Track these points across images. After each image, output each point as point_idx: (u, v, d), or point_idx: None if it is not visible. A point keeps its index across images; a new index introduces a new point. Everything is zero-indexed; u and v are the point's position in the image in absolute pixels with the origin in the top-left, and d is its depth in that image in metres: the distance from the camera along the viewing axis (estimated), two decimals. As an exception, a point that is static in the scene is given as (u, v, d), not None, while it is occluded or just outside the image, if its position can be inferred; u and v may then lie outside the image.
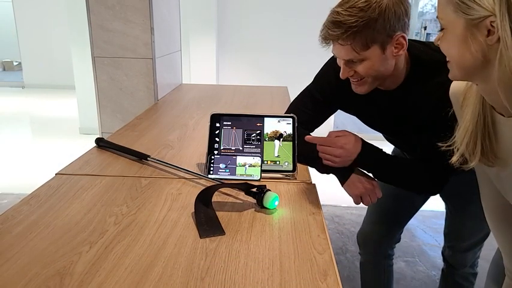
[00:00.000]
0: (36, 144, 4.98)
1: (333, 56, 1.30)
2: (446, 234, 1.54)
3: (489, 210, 0.97)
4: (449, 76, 0.82)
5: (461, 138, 0.84)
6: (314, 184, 1.13)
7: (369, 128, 1.42)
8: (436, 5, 0.78)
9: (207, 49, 4.37)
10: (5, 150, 4.55)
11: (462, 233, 1.47)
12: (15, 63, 9.40)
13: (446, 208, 1.50)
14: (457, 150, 0.86)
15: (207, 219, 0.90)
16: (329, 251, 0.80)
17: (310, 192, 1.07)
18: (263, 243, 0.82)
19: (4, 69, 9.68)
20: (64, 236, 0.82)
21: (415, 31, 4.94)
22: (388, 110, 1.19)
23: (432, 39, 1.19)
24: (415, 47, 1.09)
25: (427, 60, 1.06)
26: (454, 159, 0.87)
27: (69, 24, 4.54)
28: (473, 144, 0.83)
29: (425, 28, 7.94)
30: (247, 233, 0.86)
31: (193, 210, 0.94)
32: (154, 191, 1.05)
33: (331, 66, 1.29)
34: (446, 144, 0.88)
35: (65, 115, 5.94)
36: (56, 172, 1.15)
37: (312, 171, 1.22)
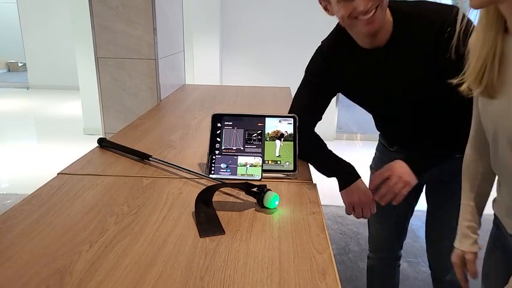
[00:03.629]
0: (40, 144, 5.01)
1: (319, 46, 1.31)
2: (427, 236, 1.53)
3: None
4: (472, 4, 0.79)
5: (472, 69, 0.86)
6: (315, 184, 1.12)
7: (374, 129, 1.40)
8: None
9: (210, 50, 4.37)
10: (9, 151, 4.57)
11: (443, 232, 1.45)
12: (20, 64, 9.45)
13: (427, 207, 1.50)
14: (466, 80, 0.88)
15: (207, 218, 0.90)
16: (328, 251, 0.80)
17: (311, 192, 1.07)
18: (263, 243, 0.82)
19: (9, 70, 9.74)
20: (64, 235, 0.83)
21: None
22: (383, 72, 1.18)
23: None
24: (393, 2, 1.13)
25: (408, 11, 1.11)
26: (463, 87, 0.88)
27: (73, 25, 4.56)
28: (481, 74, 0.84)
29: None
30: (247, 232, 0.86)
31: (193, 209, 0.94)
32: (155, 191, 1.05)
33: (317, 52, 1.30)
34: (458, 79, 0.89)
35: (69, 116, 5.97)
36: (58, 172, 1.15)
37: (313, 171, 1.22)
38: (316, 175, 1.20)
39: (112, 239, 0.82)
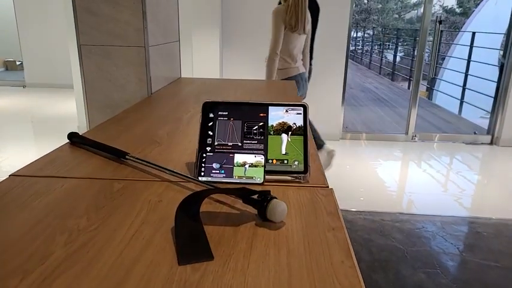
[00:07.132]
0: (36, 143, 4.93)
1: None
2: None
3: None
4: None
5: None
6: (331, 189, 0.89)
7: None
8: None
9: (210, 43, 4.15)
10: (5, 149, 4.47)
11: None
12: (18, 63, 9.32)
13: None
14: None
15: (190, 237, 0.67)
16: (359, 286, 0.56)
17: (327, 199, 0.84)
18: (266, 273, 0.59)
19: (7, 69, 9.61)
20: (-11, 262, 0.59)
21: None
22: None
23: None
24: None
25: None
26: None
27: (68, 23, 4.42)
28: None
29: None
30: (244, 257, 0.63)
31: (173, 223, 0.71)
32: (127, 198, 0.82)
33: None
34: None
35: (65, 114, 5.92)
36: (10, 173, 0.92)
37: (328, 173, 0.98)
38: (332, 178, 0.97)
39: (55, 267, 0.58)
